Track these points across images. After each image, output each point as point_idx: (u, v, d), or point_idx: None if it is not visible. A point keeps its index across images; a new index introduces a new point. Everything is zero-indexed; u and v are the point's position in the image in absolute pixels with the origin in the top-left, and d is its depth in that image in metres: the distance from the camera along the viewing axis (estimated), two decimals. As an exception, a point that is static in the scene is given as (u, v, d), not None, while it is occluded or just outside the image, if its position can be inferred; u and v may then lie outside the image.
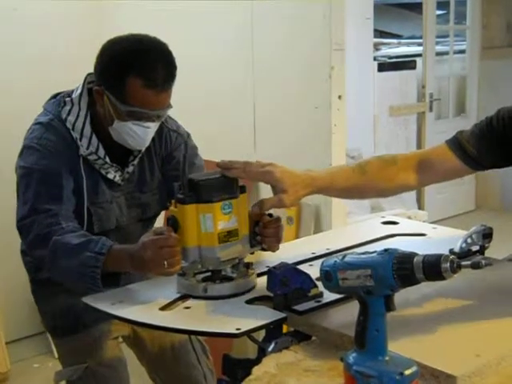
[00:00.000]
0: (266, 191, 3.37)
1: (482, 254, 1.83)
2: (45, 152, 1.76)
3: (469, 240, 1.81)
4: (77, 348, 1.97)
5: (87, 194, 1.80)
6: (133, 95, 1.70)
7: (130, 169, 1.90)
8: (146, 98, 1.71)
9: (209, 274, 1.64)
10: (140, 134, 1.77)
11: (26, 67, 3.58)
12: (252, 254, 1.75)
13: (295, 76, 3.01)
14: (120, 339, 2.09)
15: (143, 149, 1.89)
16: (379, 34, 6.42)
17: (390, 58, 5.80)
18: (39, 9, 3.61)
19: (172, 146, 1.98)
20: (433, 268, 1.08)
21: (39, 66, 3.59)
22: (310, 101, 2.93)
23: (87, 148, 1.79)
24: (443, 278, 1.08)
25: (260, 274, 1.70)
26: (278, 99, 3.17)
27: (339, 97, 2.81)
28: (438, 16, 5.63)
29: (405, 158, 1.77)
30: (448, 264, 1.07)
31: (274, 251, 1.75)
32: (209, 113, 3.45)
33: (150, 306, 1.58)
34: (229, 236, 1.59)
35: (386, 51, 6.10)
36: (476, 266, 1.07)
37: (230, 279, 1.63)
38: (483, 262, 1.06)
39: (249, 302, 1.57)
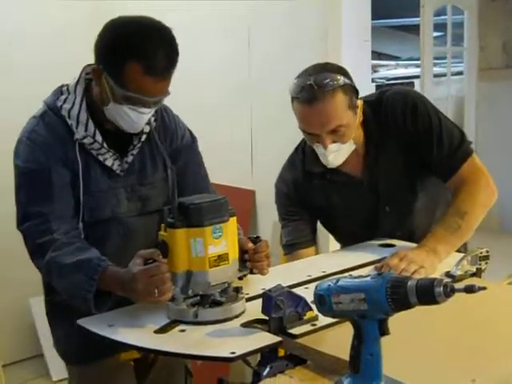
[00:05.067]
0: (262, 218, 3.37)
1: (479, 276, 1.83)
2: (33, 147, 1.73)
3: (465, 262, 1.81)
4: (90, 377, 1.93)
5: (82, 181, 1.76)
6: (131, 81, 1.66)
7: (130, 158, 1.84)
8: (144, 84, 1.66)
9: (198, 298, 1.63)
10: (134, 119, 1.73)
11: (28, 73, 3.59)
12: (241, 279, 1.75)
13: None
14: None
15: (143, 137, 1.85)
16: (378, 55, 6.46)
17: (388, 79, 5.82)
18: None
19: (177, 146, 1.94)
20: (426, 292, 1.07)
21: (42, 71, 3.59)
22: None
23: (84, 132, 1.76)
24: (437, 303, 1.08)
25: (255, 297, 1.70)
26: (275, 129, 3.18)
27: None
28: (436, 38, 5.65)
29: None
30: (441, 288, 1.07)
31: (264, 274, 1.75)
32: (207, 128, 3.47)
33: (143, 329, 1.57)
34: (219, 260, 1.59)
35: (384, 73, 6.13)
36: (470, 290, 1.06)
37: (220, 304, 1.62)
38: (477, 286, 1.06)
39: (244, 324, 1.56)
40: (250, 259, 1.73)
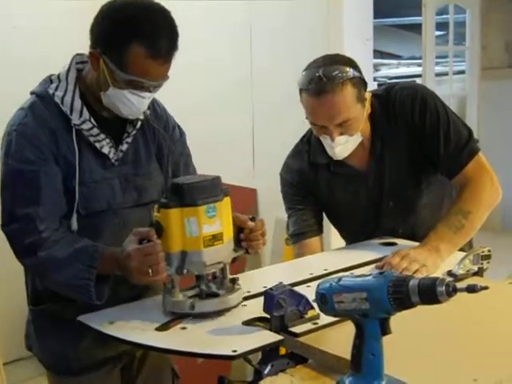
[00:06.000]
0: (264, 217, 3.37)
1: (481, 275, 1.82)
2: (23, 141, 1.67)
3: (467, 261, 1.81)
4: None
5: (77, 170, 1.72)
6: (134, 64, 1.63)
7: (124, 147, 1.81)
8: (148, 68, 1.64)
9: (195, 291, 1.63)
10: (135, 103, 1.70)
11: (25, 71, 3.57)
12: (235, 259, 1.72)
13: (296, 103, 3.03)
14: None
15: (138, 125, 1.83)
16: (380, 54, 6.46)
17: (390, 78, 5.82)
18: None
19: (170, 137, 1.92)
20: (428, 291, 1.07)
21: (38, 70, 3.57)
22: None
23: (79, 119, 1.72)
24: (439, 302, 1.07)
25: (257, 295, 1.69)
26: (276, 128, 3.17)
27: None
28: (438, 37, 5.65)
29: None
30: (443, 288, 1.06)
31: (258, 252, 1.75)
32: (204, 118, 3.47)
33: (144, 326, 1.57)
34: (214, 240, 1.58)
35: (385, 72, 6.13)
36: (471, 289, 1.06)
37: (216, 296, 1.62)
38: (479, 285, 1.06)
39: (246, 322, 1.56)
40: (245, 238, 1.72)
